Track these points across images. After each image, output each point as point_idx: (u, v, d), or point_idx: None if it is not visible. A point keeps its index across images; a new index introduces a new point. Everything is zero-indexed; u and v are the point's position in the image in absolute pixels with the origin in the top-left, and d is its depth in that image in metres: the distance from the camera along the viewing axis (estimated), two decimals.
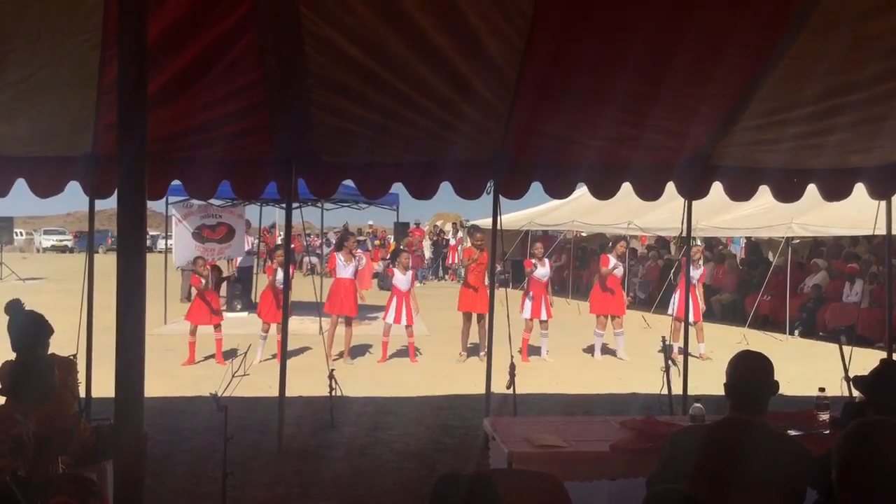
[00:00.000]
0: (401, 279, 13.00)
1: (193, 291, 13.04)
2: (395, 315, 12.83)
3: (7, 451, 3.94)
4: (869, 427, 2.61)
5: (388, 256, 16.08)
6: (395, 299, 12.94)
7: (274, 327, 12.39)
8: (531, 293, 13.06)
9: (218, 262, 16.83)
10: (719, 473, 3.20)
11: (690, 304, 12.63)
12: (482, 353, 12.44)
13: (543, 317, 12.92)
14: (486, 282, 13.05)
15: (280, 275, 12.40)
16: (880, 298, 15.00)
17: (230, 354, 11.98)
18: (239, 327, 13.89)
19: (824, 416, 5.28)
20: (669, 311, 13.80)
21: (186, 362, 12.24)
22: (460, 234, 32.38)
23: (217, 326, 12.44)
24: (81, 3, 4.65)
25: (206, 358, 12.41)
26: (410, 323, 12.89)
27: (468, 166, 7.19)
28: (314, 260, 28.55)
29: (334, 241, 18.00)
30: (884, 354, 9.54)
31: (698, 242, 18.15)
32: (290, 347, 8.48)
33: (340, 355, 12.69)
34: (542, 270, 13.14)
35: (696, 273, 13.26)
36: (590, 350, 13.65)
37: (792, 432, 4.84)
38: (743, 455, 3.20)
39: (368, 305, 16.20)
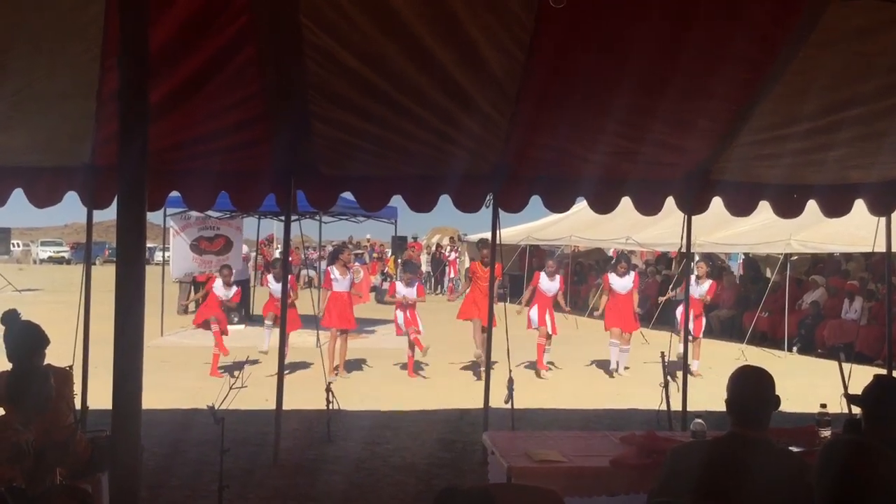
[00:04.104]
0: (404, 291, 12.99)
1: (192, 305, 13.04)
2: (404, 322, 12.83)
3: (6, 459, 3.91)
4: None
5: (400, 270, 16.32)
6: (399, 312, 12.94)
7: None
8: (536, 304, 13.02)
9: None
10: (721, 489, 3.18)
11: (692, 319, 12.68)
12: (481, 368, 12.40)
13: (549, 327, 12.87)
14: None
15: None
16: (879, 316, 14.99)
17: (229, 368, 11.93)
18: (236, 340, 13.84)
19: (826, 433, 5.25)
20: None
21: (215, 359, 12.25)
22: (459, 248, 32.36)
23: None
24: (82, 13, 4.64)
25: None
26: (417, 325, 12.83)
27: (467, 179, 7.19)
28: (311, 273, 28.52)
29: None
30: (883, 371, 9.51)
31: (696, 259, 18.15)
32: (286, 360, 8.43)
33: (336, 368, 12.63)
34: (549, 284, 13.12)
35: (701, 289, 13.24)
36: (589, 365, 13.61)
37: (793, 449, 4.81)
38: (745, 471, 3.17)
39: (366, 319, 16.16)
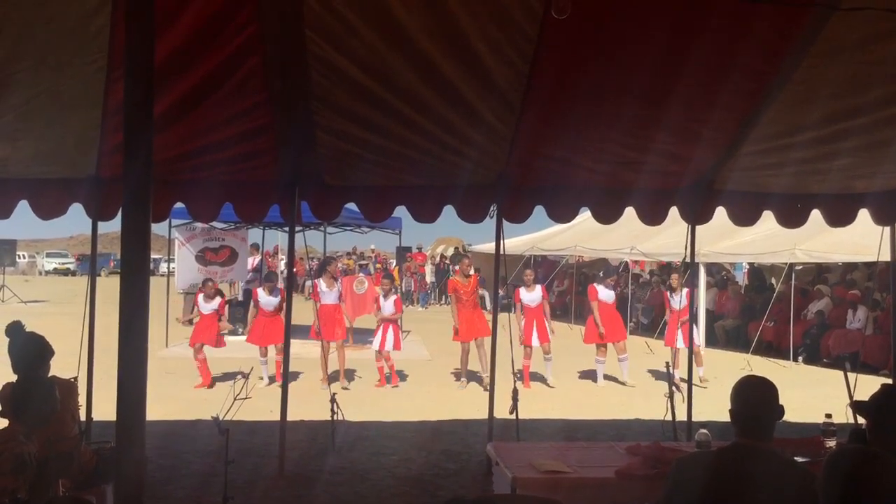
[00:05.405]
0: (382, 305, 12.97)
1: (196, 311, 13.02)
2: (377, 341, 12.78)
3: (9, 471, 3.91)
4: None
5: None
6: (379, 326, 12.91)
7: (272, 349, 12.33)
8: (524, 319, 13.00)
9: (219, 285, 16.80)
10: (726, 500, 3.17)
11: (681, 331, 12.61)
12: (485, 376, 12.36)
13: (535, 343, 12.83)
14: (488, 305, 13.04)
15: (200, 299, 12.63)
16: (885, 325, 14.94)
17: (231, 377, 11.92)
18: (241, 351, 13.82)
19: (831, 443, 5.23)
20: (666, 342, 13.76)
21: (200, 385, 12.27)
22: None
23: (199, 346, 12.45)
24: (88, 25, 4.67)
25: (214, 381, 12.37)
26: (384, 347, 12.73)
27: (471, 189, 7.20)
28: None
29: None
30: (889, 381, 9.48)
31: (700, 268, 18.09)
32: (290, 371, 8.43)
33: (336, 378, 12.60)
34: (531, 295, 13.04)
35: (681, 299, 13.17)
36: (591, 376, 13.57)
37: (798, 459, 4.80)
38: (750, 481, 3.16)
39: (368, 330, 16.13)
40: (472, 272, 13.43)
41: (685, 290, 13.37)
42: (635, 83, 5.53)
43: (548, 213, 7.51)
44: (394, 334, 12.77)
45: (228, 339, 15.15)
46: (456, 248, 37.03)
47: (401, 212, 7.42)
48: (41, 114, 5.63)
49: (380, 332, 12.82)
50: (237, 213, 7.41)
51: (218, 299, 12.90)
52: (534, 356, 12.92)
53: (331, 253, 25.47)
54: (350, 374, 13.04)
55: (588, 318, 13.74)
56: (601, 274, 14.91)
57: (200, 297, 12.72)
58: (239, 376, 7.20)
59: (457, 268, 15.20)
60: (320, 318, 12.57)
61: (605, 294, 13.42)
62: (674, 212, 7.62)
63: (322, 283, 12.97)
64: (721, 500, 3.17)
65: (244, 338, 16.98)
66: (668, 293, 13.61)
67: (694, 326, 12.70)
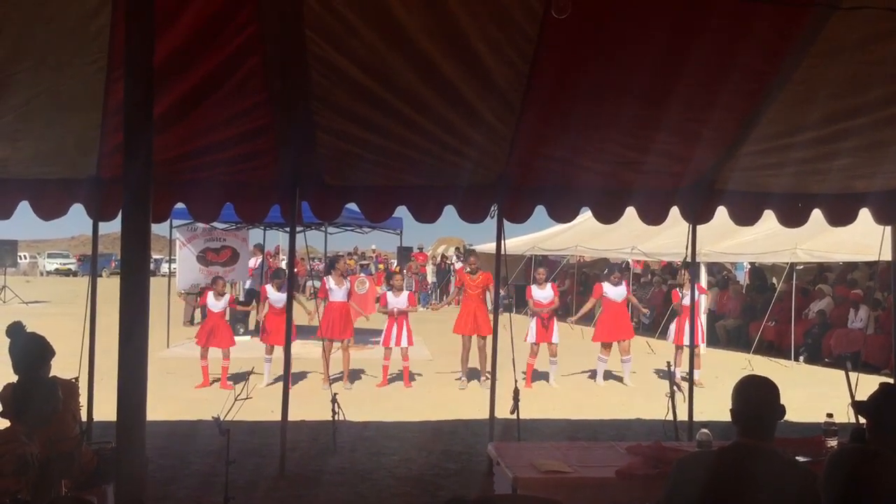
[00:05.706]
0: (394, 301, 12.93)
1: (198, 314, 13.03)
2: (393, 338, 12.73)
3: (11, 472, 3.91)
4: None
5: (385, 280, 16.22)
6: (392, 321, 12.85)
7: (278, 349, 12.32)
8: (534, 318, 12.95)
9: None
10: (727, 500, 3.16)
11: (688, 329, 12.52)
12: (483, 378, 12.36)
13: (553, 340, 12.81)
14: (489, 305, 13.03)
15: (210, 298, 12.61)
16: (886, 325, 14.93)
17: (233, 378, 11.93)
18: (243, 351, 13.82)
19: (832, 443, 5.23)
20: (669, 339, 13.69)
21: (201, 385, 12.26)
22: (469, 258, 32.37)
23: (226, 351, 12.42)
24: (88, 25, 4.67)
25: (212, 382, 12.35)
26: (406, 344, 12.72)
27: (472, 190, 7.20)
28: (318, 284, 28.45)
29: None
30: (890, 380, 9.46)
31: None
32: (292, 371, 8.42)
33: (341, 377, 12.60)
34: (542, 293, 13.02)
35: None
36: (593, 376, 13.56)
37: (800, 458, 4.79)
38: (751, 481, 3.16)
39: (369, 329, 16.13)
40: (478, 269, 13.41)
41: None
42: (635, 83, 5.53)
43: (549, 213, 7.52)
44: (407, 329, 12.76)
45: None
46: (457, 248, 37.10)
47: (401, 212, 7.43)
48: (41, 114, 5.63)
49: (393, 328, 12.75)
50: (238, 213, 7.42)
51: (227, 296, 12.93)
52: (539, 356, 12.90)
53: (332, 253, 25.50)
54: (352, 375, 13.03)
55: (598, 317, 13.69)
56: (605, 272, 14.89)
57: (210, 295, 12.71)
58: (248, 375, 7.24)
59: (462, 265, 15.37)
60: (327, 315, 12.57)
61: (613, 292, 13.33)
62: (675, 212, 7.62)
63: (331, 281, 12.97)
64: (722, 500, 3.17)
65: (246, 338, 17.06)
66: (679, 290, 13.46)
67: (699, 324, 12.73)
